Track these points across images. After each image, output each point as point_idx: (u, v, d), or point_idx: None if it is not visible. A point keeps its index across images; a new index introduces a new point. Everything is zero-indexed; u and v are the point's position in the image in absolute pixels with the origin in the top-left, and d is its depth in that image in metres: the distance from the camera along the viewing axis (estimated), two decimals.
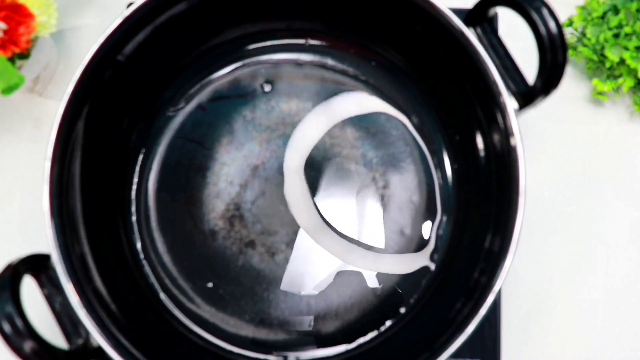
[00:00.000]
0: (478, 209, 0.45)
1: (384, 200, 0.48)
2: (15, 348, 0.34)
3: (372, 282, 0.47)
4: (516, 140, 0.39)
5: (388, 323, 0.46)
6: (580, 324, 0.50)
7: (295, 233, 0.47)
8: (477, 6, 0.41)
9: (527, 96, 0.40)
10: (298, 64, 0.50)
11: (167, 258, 0.47)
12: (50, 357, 0.35)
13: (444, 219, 0.48)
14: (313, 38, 0.50)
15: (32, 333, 0.35)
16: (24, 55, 0.47)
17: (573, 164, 0.52)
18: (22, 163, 0.53)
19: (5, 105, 0.54)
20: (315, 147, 0.49)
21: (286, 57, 0.50)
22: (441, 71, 0.46)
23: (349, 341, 0.46)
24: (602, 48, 0.50)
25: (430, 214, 0.48)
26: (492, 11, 0.41)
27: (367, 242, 0.47)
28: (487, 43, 0.42)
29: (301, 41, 0.50)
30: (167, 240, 0.47)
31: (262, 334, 0.46)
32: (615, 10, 0.51)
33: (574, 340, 0.50)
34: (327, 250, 0.47)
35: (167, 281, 0.47)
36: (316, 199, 0.48)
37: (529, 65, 0.41)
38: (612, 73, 0.52)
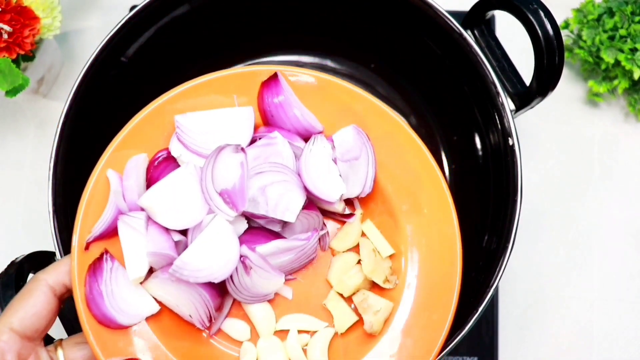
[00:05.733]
0: (476, 209, 0.45)
1: None
2: None
3: None
4: (513, 141, 0.39)
5: None
6: (576, 322, 0.50)
7: None
8: (474, 9, 0.41)
9: (524, 97, 0.40)
10: (298, 65, 0.50)
11: None
12: None
13: None
14: (313, 41, 0.50)
15: None
16: (29, 57, 0.48)
17: (569, 164, 0.53)
18: (27, 162, 0.53)
19: (10, 106, 0.54)
20: None
21: (287, 59, 0.51)
22: (439, 73, 0.46)
23: None
24: (598, 50, 0.51)
25: None
26: (489, 14, 0.41)
27: None
28: (484, 45, 0.42)
29: (301, 43, 0.51)
30: None
31: None
32: (611, 13, 0.51)
33: (570, 337, 0.50)
34: None
35: None
36: None
37: (526, 67, 0.41)
38: (607, 75, 0.52)
